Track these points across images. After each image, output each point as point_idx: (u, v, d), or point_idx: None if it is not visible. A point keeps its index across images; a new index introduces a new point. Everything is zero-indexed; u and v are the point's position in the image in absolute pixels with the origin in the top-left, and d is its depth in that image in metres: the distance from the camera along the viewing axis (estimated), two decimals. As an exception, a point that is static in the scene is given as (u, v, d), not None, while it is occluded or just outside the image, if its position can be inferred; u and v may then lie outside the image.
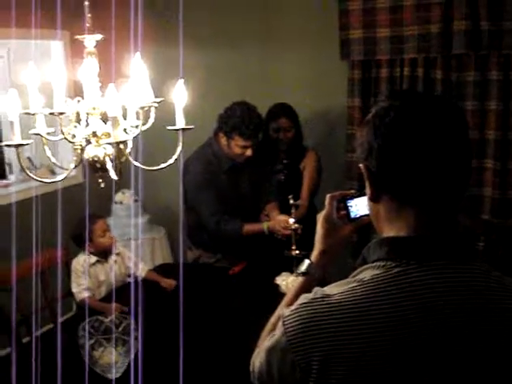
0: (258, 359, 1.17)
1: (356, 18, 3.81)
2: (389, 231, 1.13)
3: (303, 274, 1.38)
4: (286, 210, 3.20)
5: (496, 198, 3.66)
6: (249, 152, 3.28)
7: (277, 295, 2.73)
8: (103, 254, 3.12)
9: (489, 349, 1.04)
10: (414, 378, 1.02)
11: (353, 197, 1.41)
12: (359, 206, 1.40)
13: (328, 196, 1.41)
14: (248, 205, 3.48)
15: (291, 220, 3.09)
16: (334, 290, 1.08)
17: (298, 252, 2.94)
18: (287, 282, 2.89)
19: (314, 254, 1.40)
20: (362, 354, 1.01)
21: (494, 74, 3.57)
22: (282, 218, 3.22)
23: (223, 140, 3.31)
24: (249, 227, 3.32)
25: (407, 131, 1.05)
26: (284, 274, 3.00)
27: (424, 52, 3.68)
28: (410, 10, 3.66)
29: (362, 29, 3.81)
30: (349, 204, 1.41)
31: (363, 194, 1.29)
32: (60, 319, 3.00)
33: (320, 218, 1.41)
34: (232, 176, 3.42)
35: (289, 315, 1.08)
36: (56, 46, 4.19)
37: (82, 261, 3.02)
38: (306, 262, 1.39)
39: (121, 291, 2.97)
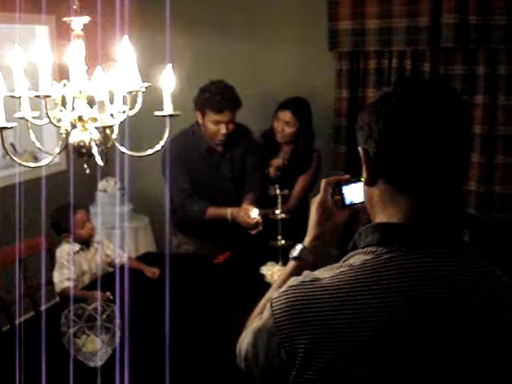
0: (245, 340, 1.16)
1: (345, 8, 3.80)
2: (381, 217, 1.12)
3: (295, 258, 1.36)
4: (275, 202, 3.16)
5: (481, 193, 3.67)
6: (223, 129, 3.24)
7: (262, 285, 2.71)
8: (85, 242, 3.09)
9: (476, 338, 1.04)
10: (401, 364, 1.02)
11: (348, 182, 1.39)
12: (354, 193, 1.38)
13: (323, 181, 1.40)
14: (227, 191, 3.44)
15: (255, 211, 3.08)
16: (324, 273, 1.08)
17: (283, 242, 2.93)
18: (272, 271, 2.88)
19: (307, 239, 1.39)
20: (349, 340, 1.01)
21: (482, 68, 3.59)
22: (247, 207, 3.22)
23: (199, 119, 3.30)
24: (212, 210, 3.30)
25: (409, 117, 1.04)
26: (269, 263, 2.99)
27: (412, 44, 3.69)
28: (400, 2, 3.66)
29: (351, 20, 3.80)
30: (344, 190, 1.39)
31: (359, 180, 1.27)
32: (43, 307, 2.97)
33: (314, 202, 1.40)
34: (211, 160, 3.39)
35: (277, 297, 1.08)
36: (41, 30, 4.13)
37: (67, 250, 2.99)
38: (299, 246, 1.38)
39: (103, 280, 2.94)
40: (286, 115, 3.55)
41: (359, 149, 1.12)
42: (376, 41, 3.77)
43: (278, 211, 2.97)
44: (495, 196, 3.66)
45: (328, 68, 3.99)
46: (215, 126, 3.25)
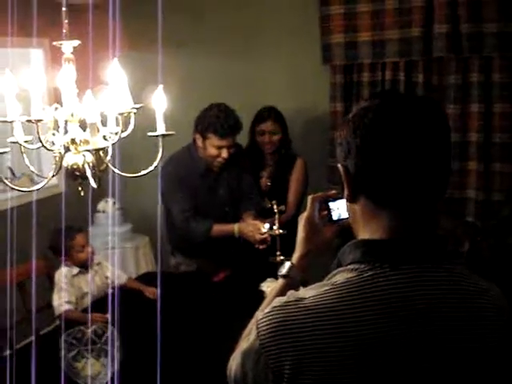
0: (234, 362, 1.15)
1: (337, 22, 3.82)
2: (363, 233, 1.11)
3: (284, 276, 1.36)
4: (269, 216, 3.18)
5: (479, 200, 3.67)
6: (224, 154, 3.24)
7: (262, 301, 2.70)
8: (84, 265, 3.08)
9: (463, 351, 1.04)
10: (388, 381, 1.01)
11: (335, 198, 1.39)
12: (341, 209, 1.38)
13: (310, 197, 1.39)
14: (225, 211, 3.44)
15: (266, 225, 3.07)
16: (308, 293, 1.07)
17: (282, 258, 2.92)
18: (272, 288, 2.86)
19: (295, 256, 1.39)
20: (334, 359, 1.00)
21: (475, 76, 3.59)
22: (255, 221, 3.21)
23: (199, 142, 3.29)
24: (218, 228, 3.30)
25: (386, 132, 1.03)
26: (269, 280, 2.98)
27: (405, 56, 3.70)
28: (391, 14, 3.67)
29: (344, 33, 3.82)
30: (331, 206, 1.39)
31: None
32: (44, 331, 2.96)
33: (302, 219, 1.39)
34: (209, 181, 3.39)
35: (262, 318, 1.07)
36: (36, 54, 4.16)
37: (65, 273, 2.98)
38: (287, 264, 1.37)
39: (104, 302, 2.92)
40: (269, 125, 3.56)
41: (339, 165, 1.11)
42: (369, 53, 3.78)
43: (275, 227, 2.96)
44: (494, 203, 3.65)
45: (322, 81, 4.00)
46: (216, 150, 3.25)
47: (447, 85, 3.68)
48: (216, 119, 3.18)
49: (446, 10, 3.51)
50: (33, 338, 2.86)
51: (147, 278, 3.35)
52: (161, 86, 1.93)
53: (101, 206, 4.50)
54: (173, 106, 1.98)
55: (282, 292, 1.29)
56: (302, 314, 1.03)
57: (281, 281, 1.37)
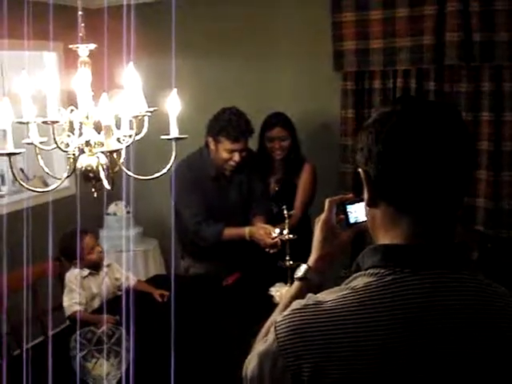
0: (250, 364, 1.16)
1: (349, 29, 3.83)
2: (384, 238, 1.11)
3: (300, 279, 1.36)
4: (277, 220, 3.19)
5: (489, 209, 3.66)
6: (236, 157, 3.27)
7: (271, 306, 2.71)
8: (95, 266, 3.11)
9: (480, 358, 1.04)
10: None
11: (352, 202, 1.39)
12: (358, 212, 1.38)
13: (327, 200, 1.39)
14: (236, 215, 3.45)
15: (277, 230, 3.08)
16: (327, 296, 1.07)
17: (291, 263, 2.93)
18: (281, 292, 2.88)
19: (312, 258, 1.38)
20: (353, 362, 1.00)
21: (486, 85, 3.59)
22: (266, 226, 3.23)
23: (212, 145, 3.31)
24: (229, 231, 3.31)
25: (408, 138, 1.04)
26: (278, 284, 2.98)
27: (417, 63, 3.70)
28: (403, 21, 3.68)
29: (355, 40, 3.83)
30: (348, 209, 1.39)
31: (362, 200, 1.28)
32: (53, 331, 2.98)
33: (319, 222, 1.39)
34: (220, 184, 3.41)
35: (281, 321, 1.07)
36: (49, 57, 4.20)
37: (76, 274, 3.01)
38: (304, 266, 1.37)
39: (113, 303, 2.95)
40: (279, 131, 3.56)
41: (360, 170, 1.12)
42: (380, 60, 3.79)
43: (285, 231, 2.97)
44: (503, 212, 3.65)
45: (334, 88, 4.01)
46: (229, 153, 3.27)
47: (458, 93, 3.68)
48: (228, 123, 3.21)
49: (458, 19, 3.52)
50: (48, 336, 2.88)
51: (156, 281, 3.38)
52: (175, 90, 1.95)
53: (111, 208, 4.53)
54: (186, 110, 2.00)
55: (298, 294, 1.29)
56: (322, 317, 1.03)
57: (297, 283, 1.36)
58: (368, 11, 3.77)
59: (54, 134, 1.84)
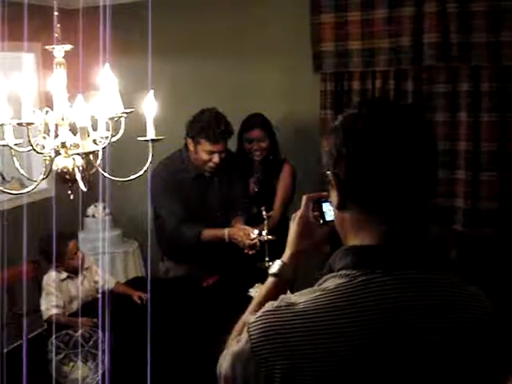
0: (224, 363, 1.15)
1: (328, 30, 3.84)
2: (354, 240, 1.12)
3: (274, 275, 1.35)
4: (257, 221, 3.19)
5: (468, 209, 3.69)
6: (216, 158, 3.26)
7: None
8: (74, 270, 3.08)
9: (449, 355, 1.05)
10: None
11: (328, 199, 1.39)
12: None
13: (304, 196, 1.39)
14: (215, 217, 3.45)
15: (256, 231, 3.08)
16: (299, 298, 1.07)
17: (270, 263, 2.92)
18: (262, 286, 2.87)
19: (286, 254, 1.38)
20: (327, 364, 1.00)
21: (465, 85, 3.62)
22: (245, 227, 3.22)
23: (191, 146, 3.30)
24: (209, 232, 3.30)
25: (377, 139, 1.05)
26: (257, 285, 2.98)
27: (395, 64, 3.72)
28: (381, 22, 3.69)
29: (334, 41, 3.83)
30: (324, 206, 1.38)
31: None
32: (31, 335, 2.95)
33: (295, 217, 1.39)
34: (199, 186, 3.40)
35: (253, 322, 1.07)
36: (28, 58, 4.16)
37: (53, 278, 2.98)
38: (278, 262, 1.37)
39: (92, 306, 2.93)
40: (257, 133, 3.57)
41: (328, 173, 1.12)
42: (359, 62, 3.80)
43: (264, 232, 2.97)
44: (482, 212, 3.68)
45: (314, 89, 4.02)
46: (208, 155, 3.26)
47: (436, 93, 3.70)
48: (207, 124, 3.20)
49: (436, 20, 3.54)
50: (22, 341, 2.85)
51: (136, 283, 3.36)
52: (152, 91, 1.94)
53: (90, 210, 4.50)
54: (163, 111, 1.99)
55: (271, 291, 1.29)
56: (294, 318, 1.03)
57: (271, 279, 1.36)
58: (346, 13, 3.78)
59: (29, 135, 1.82)
